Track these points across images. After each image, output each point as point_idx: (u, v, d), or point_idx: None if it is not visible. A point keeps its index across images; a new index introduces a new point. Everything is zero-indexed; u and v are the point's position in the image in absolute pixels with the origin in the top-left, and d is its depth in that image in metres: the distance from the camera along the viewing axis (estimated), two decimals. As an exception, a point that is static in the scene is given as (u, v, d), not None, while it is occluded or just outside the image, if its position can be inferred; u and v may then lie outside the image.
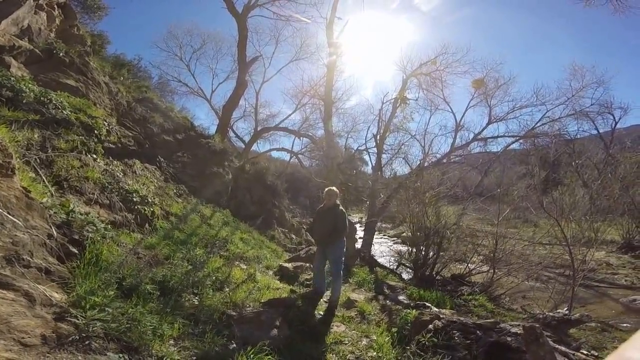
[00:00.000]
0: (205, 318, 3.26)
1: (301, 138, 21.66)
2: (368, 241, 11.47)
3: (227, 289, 4.21)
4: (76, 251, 3.00)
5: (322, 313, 4.43)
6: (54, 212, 3.26)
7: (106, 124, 6.52)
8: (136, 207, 5.36)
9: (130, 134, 7.85)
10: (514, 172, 16.39)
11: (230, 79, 22.60)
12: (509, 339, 3.40)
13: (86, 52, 8.30)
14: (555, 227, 7.48)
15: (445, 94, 15.11)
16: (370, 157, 15.66)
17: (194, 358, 2.57)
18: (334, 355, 3.37)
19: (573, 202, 7.89)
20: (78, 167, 4.65)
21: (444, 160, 13.79)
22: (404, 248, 11.95)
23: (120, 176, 5.83)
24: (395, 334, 3.99)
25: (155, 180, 7.58)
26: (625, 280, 9.55)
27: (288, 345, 3.32)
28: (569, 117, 13.34)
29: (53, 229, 2.94)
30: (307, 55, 20.73)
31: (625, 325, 6.18)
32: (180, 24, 29.12)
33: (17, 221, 2.54)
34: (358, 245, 10.87)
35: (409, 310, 4.55)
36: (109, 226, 4.09)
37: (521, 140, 14.06)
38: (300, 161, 22.54)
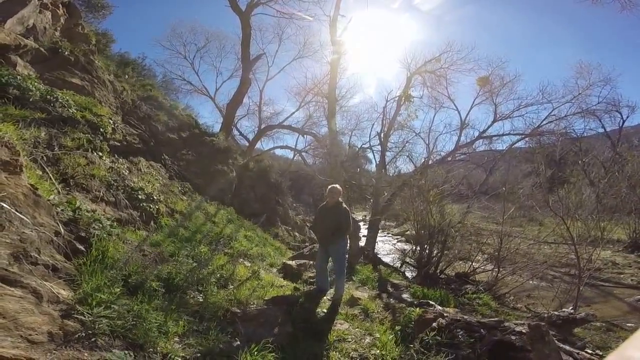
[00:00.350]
0: (209, 315, 3.29)
1: (305, 136, 21.66)
2: (372, 239, 11.46)
3: (231, 287, 4.23)
4: (83, 248, 3.03)
5: (325, 311, 4.44)
6: (61, 210, 3.29)
7: (111, 122, 6.56)
8: (141, 205, 5.40)
9: (135, 132, 7.90)
10: (519, 170, 16.26)
11: (234, 77, 22.60)
12: (513, 337, 3.39)
13: (91, 50, 8.35)
14: (561, 226, 7.43)
15: (449, 92, 15.02)
16: (374, 155, 15.63)
17: (199, 355, 2.59)
18: (338, 353, 3.38)
19: (579, 201, 7.83)
20: (84, 165, 4.69)
21: (449, 158, 13.70)
22: (407, 246, 11.95)
23: (126, 174, 5.88)
24: (399, 332, 3.99)
25: (160, 178, 7.63)
26: (632, 280, 9.47)
27: (291, 342, 3.33)
28: (576, 115, 13.22)
29: (60, 226, 2.97)
30: (311, 53, 20.65)
31: (629, 325, 6.13)
32: (184, 22, 29.13)
33: (24, 218, 2.57)
34: (362, 243, 10.87)
35: (412, 309, 4.54)
36: (115, 223, 4.12)
37: (527, 138, 13.96)
38: (303, 159, 22.53)
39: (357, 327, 4.10)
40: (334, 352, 3.37)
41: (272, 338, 2.99)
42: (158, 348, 2.42)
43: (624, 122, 21.16)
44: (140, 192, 5.53)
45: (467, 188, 12.48)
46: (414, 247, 9.82)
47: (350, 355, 3.39)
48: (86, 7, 11.58)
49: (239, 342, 2.99)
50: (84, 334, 2.12)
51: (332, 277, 5.04)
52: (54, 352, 1.88)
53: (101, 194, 4.63)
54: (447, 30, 30.85)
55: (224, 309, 3.49)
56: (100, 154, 5.48)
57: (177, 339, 2.70)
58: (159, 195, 6.28)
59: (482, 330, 3.59)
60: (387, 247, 14.11)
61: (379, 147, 13.39)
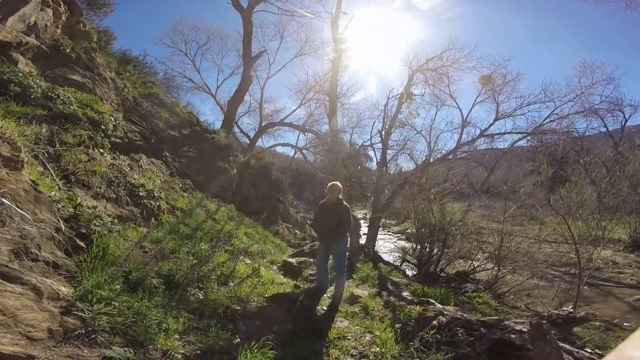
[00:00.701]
0: (210, 312, 3.29)
1: (306, 133, 21.63)
2: (372, 237, 11.47)
3: (231, 284, 4.24)
4: (83, 245, 3.03)
5: (325, 308, 4.45)
6: (62, 206, 3.30)
7: (113, 119, 6.56)
8: (142, 202, 5.41)
9: (137, 129, 7.90)
10: (520, 169, 16.25)
11: (235, 75, 22.60)
12: (513, 336, 3.39)
13: (92, 48, 8.34)
14: (562, 225, 7.42)
15: (451, 90, 14.95)
16: (375, 152, 15.57)
17: (199, 352, 2.60)
18: (337, 350, 3.39)
19: (580, 200, 7.81)
20: (85, 162, 4.69)
21: (450, 157, 13.67)
22: (408, 244, 11.97)
23: (127, 170, 5.88)
24: (399, 330, 4.00)
25: (161, 175, 7.63)
26: (631, 280, 9.47)
27: (291, 340, 3.34)
28: (578, 114, 13.18)
29: (61, 223, 2.97)
30: (312, 50, 20.63)
31: (627, 324, 6.14)
32: (186, 19, 29.09)
33: (25, 214, 2.58)
34: (362, 241, 10.88)
35: (412, 307, 4.55)
36: (116, 220, 4.12)
37: (528, 137, 13.91)
38: (304, 156, 22.53)
39: (357, 325, 4.10)
40: (334, 350, 3.37)
41: (272, 335, 3.00)
42: (158, 345, 2.42)
43: (626, 121, 21.08)
44: (141, 189, 5.54)
45: (468, 186, 12.45)
46: (415, 246, 9.83)
47: (350, 352, 3.40)
48: (87, 5, 11.54)
49: (239, 340, 2.99)
50: (84, 331, 2.12)
51: (333, 275, 5.05)
52: (54, 349, 1.88)
53: (102, 190, 4.63)
54: (449, 28, 30.77)
55: (224, 306, 3.49)
56: (102, 150, 5.49)
57: (177, 336, 2.71)
58: (160, 192, 6.29)
59: (482, 328, 3.59)
60: (387, 245, 14.13)
61: (380, 145, 13.36)
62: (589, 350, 3.74)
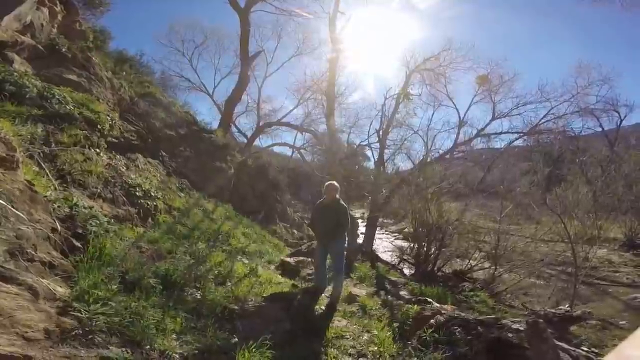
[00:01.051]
0: (207, 312, 3.28)
1: (303, 133, 21.66)
2: (370, 236, 11.50)
3: (229, 283, 4.23)
4: (79, 245, 3.02)
5: (323, 308, 4.44)
6: (58, 206, 3.28)
7: (109, 118, 6.52)
8: (139, 201, 5.38)
9: (133, 129, 7.86)
10: (517, 168, 16.29)
11: (233, 74, 22.48)
12: (510, 335, 3.41)
13: (88, 47, 8.28)
14: (558, 224, 7.48)
15: (448, 90, 15.03)
16: (372, 152, 15.62)
17: (196, 352, 2.59)
18: (335, 349, 3.39)
19: (576, 199, 7.87)
20: (81, 161, 4.66)
21: (447, 156, 13.74)
22: (405, 244, 11.99)
23: (123, 170, 5.85)
24: (397, 329, 4.01)
25: (158, 175, 7.60)
26: (627, 278, 9.54)
27: (289, 339, 3.34)
28: (574, 114, 13.27)
29: (57, 223, 2.96)
30: (310, 50, 20.60)
31: (622, 323, 6.18)
32: (183, 19, 28.98)
33: (21, 214, 2.56)
34: (360, 240, 10.89)
35: (410, 306, 4.56)
36: (112, 220, 4.11)
37: (525, 137, 14.00)
38: (302, 156, 22.54)
39: (355, 324, 4.10)
40: (332, 349, 3.37)
41: (270, 335, 2.99)
42: (155, 345, 2.41)
43: (621, 121, 21.28)
44: (137, 189, 5.51)
45: (465, 186, 12.50)
46: (412, 245, 9.86)
47: (348, 352, 3.40)
48: (84, 4, 11.44)
49: (236, 339, 2.99)
50: (80, 331, 2.11)
51: (330, 274, 5.05)
52: (51, 349, 1.87)
53: (98, 190, 4.60)
54: (446, 28, 30.82)
55: (221, 306, 3.48)
56: (98, 150, 5.45)
57: (174, 336, 2.70)
58: (157, 192, 6.26)
59: (479, 327, 3.60)
60: (385, 245, 14.13)
61: (378, 145, 13.41)
62: (585, 349, 3.77)
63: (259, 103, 22.63)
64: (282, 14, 17.03)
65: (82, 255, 2.87)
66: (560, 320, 4.47)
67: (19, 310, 1.91)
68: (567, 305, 5.55)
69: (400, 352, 3.46)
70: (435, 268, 8.32)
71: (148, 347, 2.36)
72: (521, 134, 13.69)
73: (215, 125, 15.76)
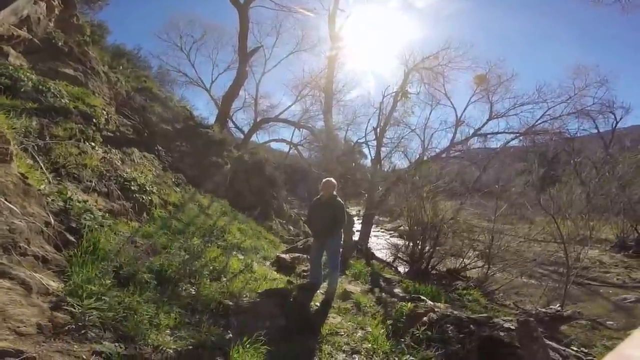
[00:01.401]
0: (202, 308, 3.28)
1: (301, 130, 21.61)
2: (365, 234, 11.54)
3: (224, 279, 4.22)
4: (73, 239, 3.00)
5: (318, 304, 4.46)
6: (52, 200, 3.25)
7: (105, 112, 6.47)
8: (134, 196, 5.35)
9: (129, 123, 7.81)
10: (512, 168, 16.41)
11: (231, 70, 22.40)
12: (501, 333, 3.45)
13: (85, 41, 8.21)
14: (551, 224, 7.55)
15: (446, 89, 15.06)
16: (369, 150, 15.65)
17: (190, 348, 2.59)
18: (330, 346, 3.41)
19: (570, 200, 7.94)
20: (76, 155, 4.62)
21: (443, 155, 13.80)
22: (400, 241, 12.04)
23: (119, 164, 5.81)
24: (390, 326, 4.04)
25: (154, 169, 7.56)
26: (617, 279, 9.67)
27: (284, 335, 3.35)
28: (570, 115, 13.37)
29: (50, 217, 2.94)
30: (308, 47, 20.57)
31: (611, 323, 6.27)
32: (181, 14, 28.69)
33: (14, 208, 2.54)
34: (355, 237, 10.92)
35: (404, 303, 4.59)
36: (107, 214, 4.08)
37: (521, 137, 14.09)
38: (299, 153, 22.51)
39: (350, 321, 4.13)
40: (326, 346, 3.40)
41: (264, 331, 3.00)
42: (149, 340, 2.41)
43: (617, 123, 21.42)
44: (132, 183, 5.48)
45: (461, 185, 12.57)
46: (407, 243, 9.91)
47: (342, 348, 3.42)
48: (82, -1, 11.32)
49: (231, 335, 3.00)
50: (74, 326, 2.10)
51: (326, 271, 5.07)
52: (43, 344, 1.86)
53: (93, 184, 4.57)
54: (445, 27, 30.81)
55: (216, 302, 3.48)
56: (93, 144, 5.41)
57: (168, 331, 2.70)
58: (152, 187, 6.22)
59: (471, 325, 3.64)
60: (380, 242, 14.19)
61: (375, 142, 13.42)
62: (575, 349, 3.82)
63: (257, 99, 22.60)
64: (282, 10, 16.97)
65: (75, 250, 2.85)
66: (551, 319, 4.53)
67: (12, 304, 1.90)
68: (557, 305, 5.62)
69: (393, 349, 3.49)
70: (430, 266, 8.37)
71: (142, 342, 2.36)
72: (517, 135, 13.79)
73: (212, 120, 15.72)
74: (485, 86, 14.33)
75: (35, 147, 4.02)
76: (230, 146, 13.89)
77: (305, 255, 6.66)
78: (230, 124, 21.54)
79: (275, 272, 5.74)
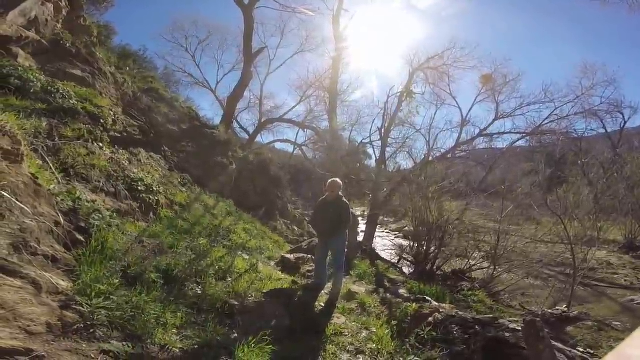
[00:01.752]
0: (207, 307, 3.31)
1: (305, 130, 21.64)
2: (370, 234, 11.52)
3: (229, 279, 4.26)
4: (82, 239, 3.04)
5: (323, 305, 4.48)
6: (61, 200, 3.30)
7: (112, 113, 6.55)
8: (141, 196, 5.41)
9: (136, 124, 7.89)
10: (518, 169, 16.27)
11: (236, 70, 22.48)
12: (507, 334, 3.43)
13: (92, 42, 8.32)
14: (558, 225, 7.47)
15: (452, 89, 15.00)
16: (374, 150, 15.57)
17: (196, 347, 2.62)
18: (334, 346, 3.42)
19: (577, 201, 7.86)
20: (84, 155, 4.69)
21: (449, 155, 13.72)
22: (405, 242, 12.01)
23: (126, 165, 5.88)
24: (395, 327, 4.04)
25: (160, 169, 7.63)
26: (625, 281, 9.55)
27: (289, 335, 3.37)
28: (578, 115, 13.21)
29: (60, 216, 2.98)
30: (313, 47, 20.56)
31: (617, 324, 6.20)
32: (186, 15, 28.89)
33: (25, 208, 2.58)
34: (360, 238, 10.92)
35: (409, 304, 4.59)
36: (115, 214, 4.13)
37: (527, 137, 13.96)
38: (304, 153, 22.53)
39: (354, 321, 4.14)
40: (331, 346, 3.41)
41: (269, 331, 3.02)
42: (156, 339, 2.44)
43: (625, 123, 21.14)
44: (140, 183, 5.53)
45: (466, 185, 12.49)
46: (412, 243, 9.88)
47: (347, 349, 3.43)
48: (88, 0, 11.46)
49: (236, 334, 3.02)
50: (82, 325, 2.13)
51: (330, 271, 5.08)
52: (53, 343, 1.90)
53: (101, 184, 4.63)
54: (450, 27, 30.68)
55: (222, 301, 3.51)
56: (101, 144, 5.48)
57: (175, 330, 2.73)
58: (159, 187, 6.28)
59: (476, 326, 3.63)
60: (385, 243, 14.15)
61: (379, 143, 13.39)
62: (581, 350, 3.79)
63: (261, 99, 22.67)
64: (286, 10, 17.00)
65: (84, 249, 2.89)
66: (557, 320, 4.49)
67: (22, 303, 1.93)
68: (564, 306, 5.57)
69: (398, 350, 3.49)
70: (435, 267, 8.34)
71: (149, 341, 2.39)
72: (524, 135, 13.65)
73: (217, 121, 15.83)
74: (491, 86, 14.25)
75: (45, 148, 4.08)
76: (236, 146, 13.95)
77: (309, 256, 6.68)
78: (235, 125, 21.64)
79: (280, 272, 5.76)
